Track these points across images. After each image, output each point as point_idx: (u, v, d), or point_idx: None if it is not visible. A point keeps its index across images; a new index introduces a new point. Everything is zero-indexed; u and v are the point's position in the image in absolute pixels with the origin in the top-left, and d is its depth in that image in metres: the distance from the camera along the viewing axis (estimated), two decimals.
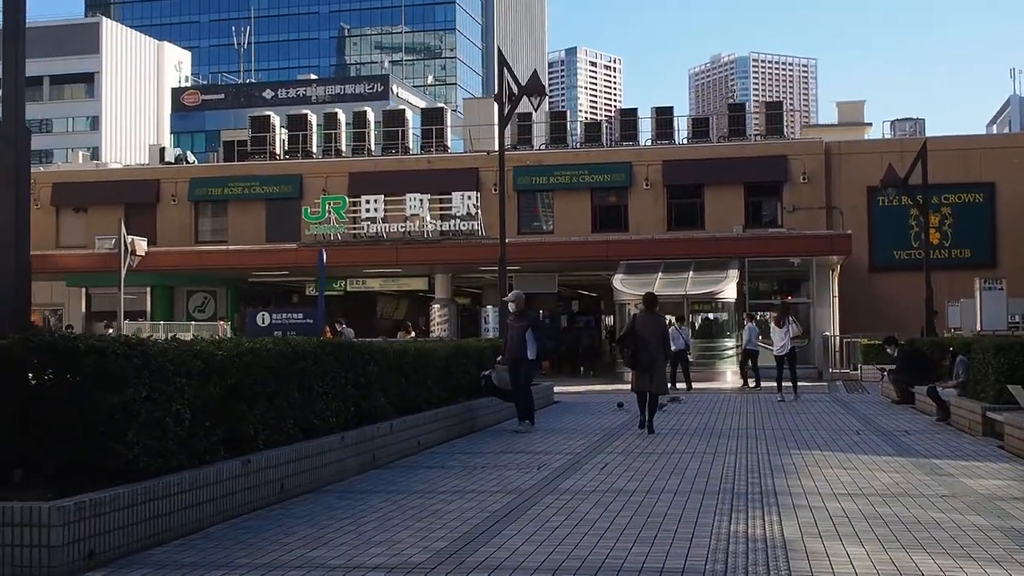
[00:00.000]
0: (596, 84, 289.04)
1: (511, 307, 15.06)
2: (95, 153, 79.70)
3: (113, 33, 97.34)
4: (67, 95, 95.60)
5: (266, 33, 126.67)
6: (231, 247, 36.80)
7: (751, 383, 24.22)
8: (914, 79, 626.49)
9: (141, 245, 30.66)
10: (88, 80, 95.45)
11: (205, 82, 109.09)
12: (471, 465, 10.71)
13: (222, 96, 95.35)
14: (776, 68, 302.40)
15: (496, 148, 22.05)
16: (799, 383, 21.14)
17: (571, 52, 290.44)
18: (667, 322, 25.25)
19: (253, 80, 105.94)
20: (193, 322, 31.12)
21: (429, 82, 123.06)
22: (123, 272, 28.80)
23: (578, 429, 14.65)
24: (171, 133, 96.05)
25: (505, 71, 20.02)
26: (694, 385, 24.40)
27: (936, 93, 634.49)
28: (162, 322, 29.92)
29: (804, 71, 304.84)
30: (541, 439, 13.26)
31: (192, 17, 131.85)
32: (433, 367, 13.33)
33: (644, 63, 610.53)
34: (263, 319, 22.41)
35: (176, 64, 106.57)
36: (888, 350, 19.23)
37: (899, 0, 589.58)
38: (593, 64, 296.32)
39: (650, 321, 14.11)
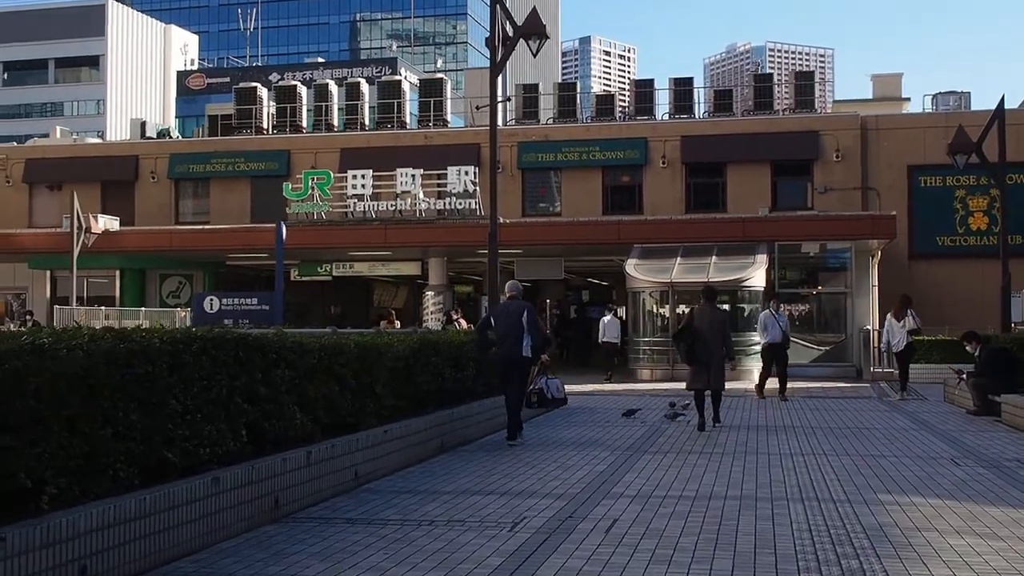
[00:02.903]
0: (610, 73, 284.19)
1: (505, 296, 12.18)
2: (101, 136, 77.43)
3: (119, 15, 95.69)
4: (73, 78, 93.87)
5: (276, 18, 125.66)
6: (205, 227, 33.57)
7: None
8: (932, 70, 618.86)
9: (99, 222, 27.50)
10: (94, 63, 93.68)
11: (212, 66, 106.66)
12: (415, 519, 7.31)
13: (227, 79, 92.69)
14: (793, 58, 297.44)
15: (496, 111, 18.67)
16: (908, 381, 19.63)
17: (585, 41, 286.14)
18: (763, 307, 22.71)
19: (260, 64, 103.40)
20: (144, 308, 27.73)
21: (439, 67, 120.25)
22: (76, 251, 25.69)
23: (579, 449, 11.27)
24: (176, 117, 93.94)
25: (498, 9, 16.63)
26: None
27: (960, 83, 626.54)
28: (103, 307, 26.53)
29: (821, 60, 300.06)
30: (526, 468, 9.83)
31: (202, 1, 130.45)
32: (385, 368, 9.99)
33: (658, 53, 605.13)
34: (211, 304, 19.02)
35: (182, 47, 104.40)
36: (967, 348, 15.75)
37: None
38: (607, 53, 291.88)
39: (708, 314, 13.49)
